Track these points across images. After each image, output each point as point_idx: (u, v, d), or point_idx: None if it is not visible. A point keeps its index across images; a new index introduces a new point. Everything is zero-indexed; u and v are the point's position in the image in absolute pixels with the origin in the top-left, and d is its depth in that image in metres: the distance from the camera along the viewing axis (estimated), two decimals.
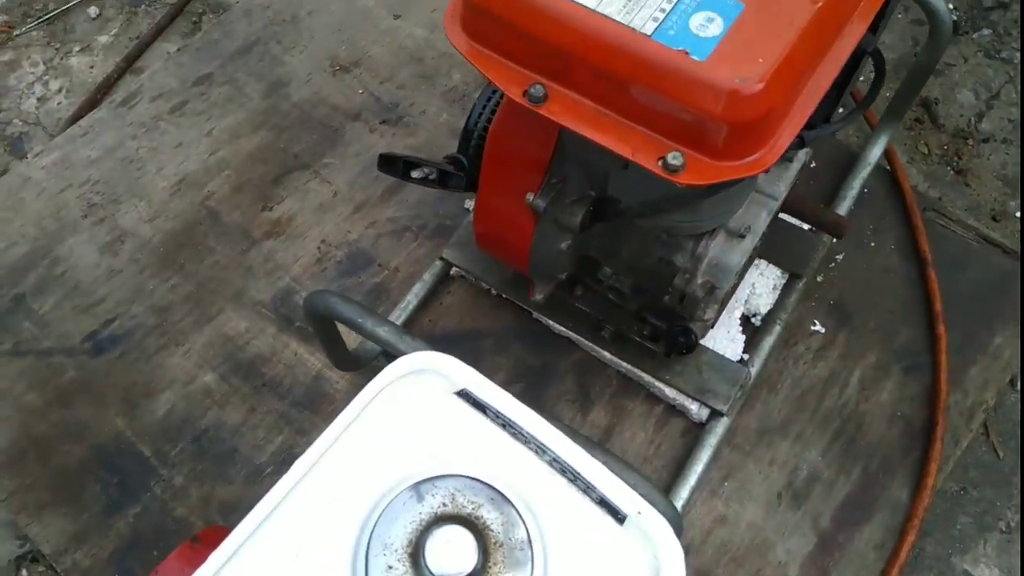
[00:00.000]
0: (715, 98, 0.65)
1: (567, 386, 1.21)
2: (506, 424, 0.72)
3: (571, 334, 1.22)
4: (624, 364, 1.19)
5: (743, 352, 1.20)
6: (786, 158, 1.03)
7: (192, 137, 1.43)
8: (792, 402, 1.19)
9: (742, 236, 0.98)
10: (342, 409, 0.69)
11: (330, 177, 1.38)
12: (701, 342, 1.20)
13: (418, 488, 0.62)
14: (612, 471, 0.83)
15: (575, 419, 1.18)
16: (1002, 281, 1.28)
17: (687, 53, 0.66)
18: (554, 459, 0.70)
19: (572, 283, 1.21)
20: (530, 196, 0.93)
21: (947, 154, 1.42)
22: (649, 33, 0.67)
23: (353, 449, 0.69)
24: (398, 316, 1.22)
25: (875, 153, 1.33)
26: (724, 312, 1.22)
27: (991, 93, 1.46)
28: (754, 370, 1.18)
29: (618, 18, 0.68)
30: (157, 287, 1.29)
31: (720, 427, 1.14)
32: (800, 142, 0.85)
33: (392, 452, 0.68)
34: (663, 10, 0.68)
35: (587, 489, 0.69)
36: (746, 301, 1.23)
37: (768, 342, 1.20)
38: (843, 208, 1.30)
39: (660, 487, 1.12)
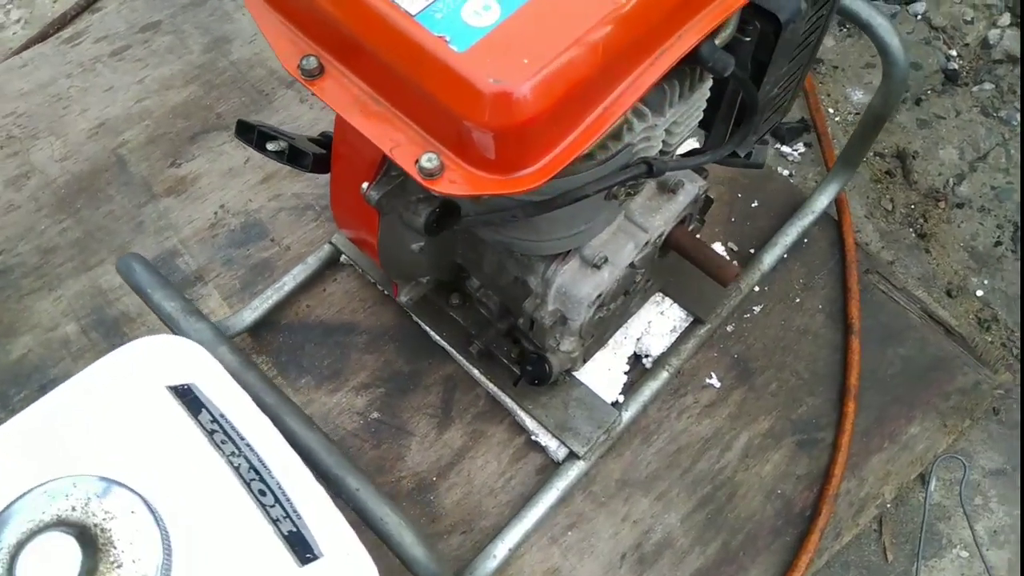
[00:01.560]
0: (466, 96, 0.56)
1: (430, 399, 1.12)
2: (215, 431, 0.64)
3: (446, 344, 1.13)
4: (491, 385, 1.10)
5: (620, 393, 1.09)
6: (668, 189, 0.92)
7: (124, 83, 1.39)
8: (664, 457, 1.07)
9: (597, 267, 0.88)
10: None
11: None
12: (577, 375, 1.10)
13: (52, 486, 0.55)
14: (366, 501, 0.75)
15: (429, 435, 1.10)
16: (936, 364, 1.13)
17: (446, 41, 0.57)
18: (255, 478, 0.63)
19: (451, 289, 1.12)
20: (364, 185, 0.85)
21: (913, 214, 1.27)
22: (413, 13, 0.58)
23: (38, 432, 0.63)
24: (270, 296, 1.16)
25: (821, 202, 1.20)
26: (611, 347, 1.12)
27: (978, 154, 1.30)
28: (627, 415, 1.07)
29: None
30: (48, 228, 1.26)
31: (574, 471, 1.03)
32: (649, 170, 0.75)
33: (67, 444, 0.61)
34: None
35: (277, 520, 0.61)
36: (639, 339, 1.12)
37: (651, 387, 1.09)
38: (772, 255, 1.17)
39: (496, 525, 1.03)
